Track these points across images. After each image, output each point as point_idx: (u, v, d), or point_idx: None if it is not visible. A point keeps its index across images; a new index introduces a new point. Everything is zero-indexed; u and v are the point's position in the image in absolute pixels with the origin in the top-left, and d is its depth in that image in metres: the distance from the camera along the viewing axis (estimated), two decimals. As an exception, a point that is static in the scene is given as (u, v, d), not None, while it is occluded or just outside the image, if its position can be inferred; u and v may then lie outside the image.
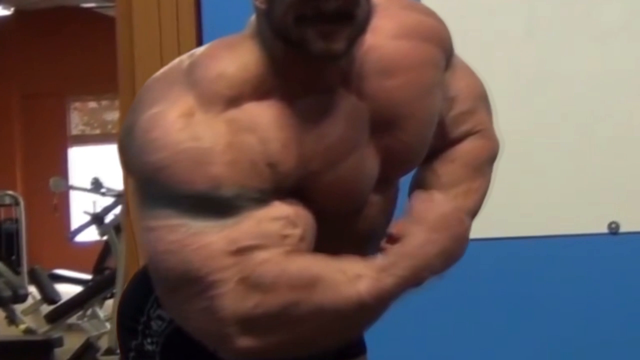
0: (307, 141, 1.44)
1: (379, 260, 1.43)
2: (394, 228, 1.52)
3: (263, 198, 1.40)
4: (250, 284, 1.38)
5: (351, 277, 1.40)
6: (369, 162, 1.53)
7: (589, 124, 2.62)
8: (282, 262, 1.39)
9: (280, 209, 1.42)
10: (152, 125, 1.40)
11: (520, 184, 2.58)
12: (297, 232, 1.43)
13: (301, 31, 1.38)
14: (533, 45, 2.63)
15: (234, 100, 1.41)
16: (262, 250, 1.39)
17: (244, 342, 1.39)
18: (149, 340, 1.60)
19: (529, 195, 2.62)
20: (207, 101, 1.40)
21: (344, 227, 1.55)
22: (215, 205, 1.38)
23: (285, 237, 1.41)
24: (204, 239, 1.38)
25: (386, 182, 1.59)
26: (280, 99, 1.43)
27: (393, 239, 1.49)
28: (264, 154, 1.40)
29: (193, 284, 1.39)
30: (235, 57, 1.44)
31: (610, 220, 2.62)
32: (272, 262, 1.39)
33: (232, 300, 1.38)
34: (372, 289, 1.40)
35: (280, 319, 1.38)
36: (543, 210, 2.64)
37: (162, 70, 1.50)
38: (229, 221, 1.39)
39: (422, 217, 1.47)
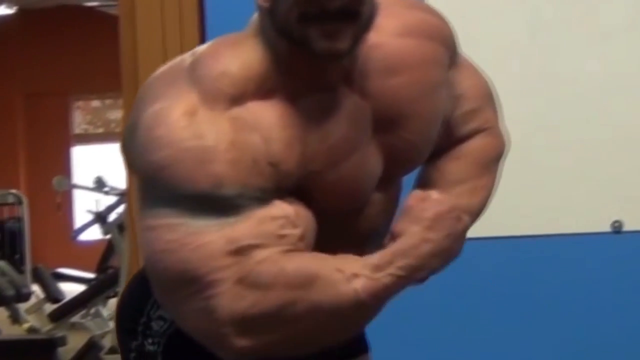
0: (310, 141, 1.43)
1: (375, 258, 1.41)
2: (396, 226, 1.51)
3: (264, 197, 1.39)
4: (248, 283, 1.37)
5: (348, 275, 1.39)
6: (372, 160, 1.52)
7: (591, 123, 2.62)
8: (279, 260, 1.38)
9: (281, 208, 1.41)
10: (156, 123, 1.39)
11: (523, 182, 2.57)
12: (296, 232, 1.42)
13: (304, 29, 1.37)
14: (535, 45, 2.62)
15: (237, 99, 1.40)
16: (261, 250, 1.38)
17: (241, 342, 1.38)
18: (149, 340, 1.60)
19: (531, 194, 2.62)
20: (211, 99, 1.39)
21: (346, 225, 1.54)
22: (216, 204, 1.37)
23: (283, 236, 1.40)
24: (203, 238, 1.37)
25: (388, 181, 1.58)
26: (283, 97, 1.42)
27: (395, 237, 1.48)
28: (267, 153, 1.39)
29: (190, 283, 1.38)
30: (238, 55, 1.43)
31: (614, 219, 2.62)
32: (269, 260, 1.38)
33: (229, 300, 1.37)
34: (368, 287, 1.38)
35: (277, 318, 1.38)
36: (546, 209, 2.63)
37: (162, 68, 1.49)
38: (230, 220, 1.38)
39: (418, 216, 1.44)
